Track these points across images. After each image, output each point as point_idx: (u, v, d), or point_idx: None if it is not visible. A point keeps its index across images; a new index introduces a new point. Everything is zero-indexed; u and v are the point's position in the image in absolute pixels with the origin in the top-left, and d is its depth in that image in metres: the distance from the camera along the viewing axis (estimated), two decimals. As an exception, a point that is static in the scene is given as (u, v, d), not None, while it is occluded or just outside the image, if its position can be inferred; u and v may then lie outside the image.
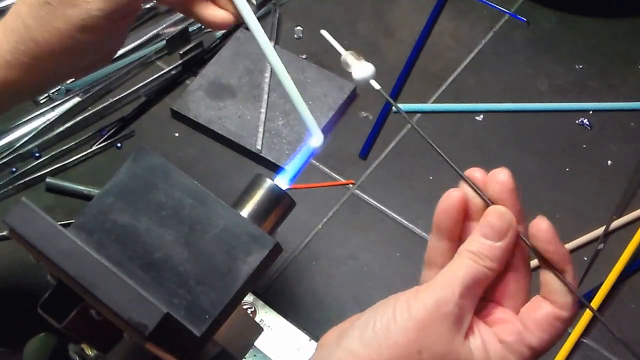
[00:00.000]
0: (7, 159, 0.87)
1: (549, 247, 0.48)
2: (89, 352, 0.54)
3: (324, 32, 0.55)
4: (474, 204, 0.50)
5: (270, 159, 0.86)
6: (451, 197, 0.51)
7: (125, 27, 0.62)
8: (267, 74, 0.92)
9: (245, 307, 0.76)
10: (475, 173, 0.52)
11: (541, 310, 0.47)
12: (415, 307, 0.47)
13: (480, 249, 0.47)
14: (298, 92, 0.56)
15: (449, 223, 0.50)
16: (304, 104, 0.56)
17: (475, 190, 0.50)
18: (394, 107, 0.52)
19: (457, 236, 0.50)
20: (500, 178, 0.51)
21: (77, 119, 0.90)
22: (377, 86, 0.52)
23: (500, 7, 0.99)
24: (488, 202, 0.49)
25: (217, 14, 0.62)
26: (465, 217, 0.50)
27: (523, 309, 0.49)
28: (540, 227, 0.47)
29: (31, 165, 0.87)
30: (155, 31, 0.96)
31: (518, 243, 0.49)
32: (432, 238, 0.50)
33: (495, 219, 0.48)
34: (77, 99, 0.91)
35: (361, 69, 0.53)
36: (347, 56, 0.54)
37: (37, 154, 0.88)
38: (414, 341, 0.45)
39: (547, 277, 0.48)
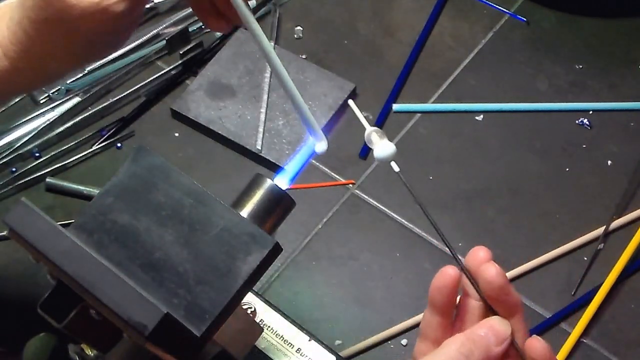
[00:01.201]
0: (7, 159, 0.87)
1: None
2: (89, 352, 0.54)
3: (350, 103, 0.55)
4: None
5: (270, 159, 0.86)
6: (445, 276, 0.48)
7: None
8: (267, 74, 0.92)
9: (245, 307, 0.76)
10: (479, 253, 0.49)
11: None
12: None
13: (473, 346, 0.46)
14: (301, 98, 0.55)
15: (443, 300, 0.48)
16: (308, 109, 0.56)
17: (474, 286, 0.48)
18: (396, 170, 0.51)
19: (451, 312, 0.49)
20: (488, 275, 0.47)
21: (77, 119, 0.90)
22: (396, 168, 0.52)
23: (500, 7, 0.99)
24: (487, 305, 0.48)
25: (217, 24, 0.61)
26: (464, 293, 0.49)
27: None
28: (535, 347, 0.47)
29: (31, 165, 0.87)
30: (155, 31, 0.96)
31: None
32: (426, 311, 0.49)
33: (498, 325, 0.47)
34: (77, 99, 0.91)
35: (383, 148, 0.53)
36: (372, 134, 0.53)
37: (37, 154, 0.88)
38: None
39: None
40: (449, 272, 0.48)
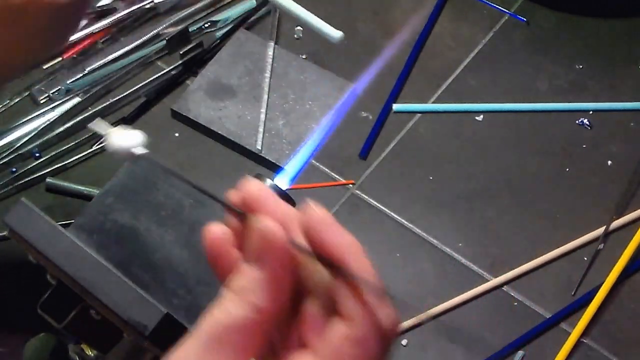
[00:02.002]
0: (7, 159, 0.87)
1: (325, 235, 0.36)
2: (89, 352, 0.54)
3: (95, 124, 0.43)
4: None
5: (270, 159, 0.86)
6: (209, 234, 0.37)
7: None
8: (267, 74, 0.92)
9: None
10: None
11: (330, 334, 0.35)
12: None
13: (241, 283, 0.35)
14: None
15: (217, 268, 0.37)
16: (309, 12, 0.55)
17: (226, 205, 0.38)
18: None
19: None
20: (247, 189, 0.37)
21: (77, 119, 0.90)
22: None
23: (500, 7, 0.99)
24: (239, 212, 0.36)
25: None
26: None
27: (318, 340, 0.35)
28: (312, 216, 0.36)
29: (31, 165, 0.87)
30: (155, 31, 0.96)
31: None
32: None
33: (258, 237, 0.35)
34: (77, 99, 0.91)
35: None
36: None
37: (37, 154, 0.88)
38: None
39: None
40: (212, 229, 0.37)
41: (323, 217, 0.36)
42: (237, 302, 0.34)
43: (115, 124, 0.90)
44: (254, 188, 0.37)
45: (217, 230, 0.37)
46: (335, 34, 0.55)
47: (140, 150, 0.41)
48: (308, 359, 0.34)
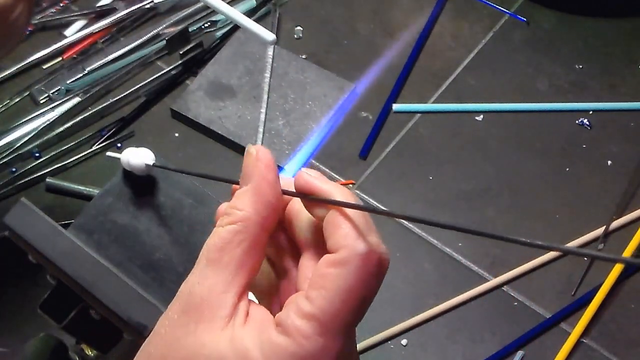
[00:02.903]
0: (7, 159, 0.87)
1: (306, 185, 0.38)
2: (89, 352, 0.54)
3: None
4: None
5: (270, 159, 0.86)
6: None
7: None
8: (267, 74, 0.92)
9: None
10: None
11: (316, 265, 0.37)
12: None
13: (227, 207, 0.38)
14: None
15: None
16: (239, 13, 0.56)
17: None
18: None
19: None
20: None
21: (77, 119, 0.90)
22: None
23: (500, 7, 0.99)
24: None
25: None
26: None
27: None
28: (303, 174, 0.38)
29: (31, 165, 0.87)
30: (155, 31, 0.96)
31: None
32: None
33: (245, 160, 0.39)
34: (77, 99, 0.91)
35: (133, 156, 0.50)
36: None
37: (37, 154, 0.88)
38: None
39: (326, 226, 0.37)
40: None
41: (312, 173, 0.38)
42: (226, 220, 0.37)
43: (115, 123, 0.90)
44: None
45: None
46: (269, 36, 0.56)
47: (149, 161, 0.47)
48: (299, 296, 0.36)
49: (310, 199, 0.37)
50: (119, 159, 0.49)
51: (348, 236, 0.36)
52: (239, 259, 0.37)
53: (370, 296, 0.36)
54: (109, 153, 0.50)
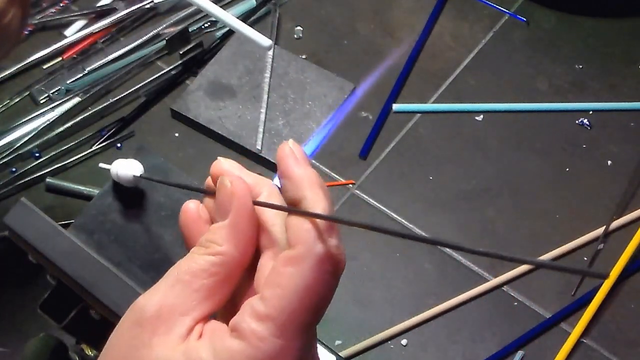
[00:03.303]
0: (7, 159, 0.87)
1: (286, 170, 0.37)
2: (89, 352, 0.54)
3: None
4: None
5: (270, 159, 0.86)
6: (184, 210, 0.41)
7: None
8: (267, 74, 0.92)
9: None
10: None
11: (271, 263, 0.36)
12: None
13: (201, 241, 0.38)
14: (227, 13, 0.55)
15: (188, 241, 0.40)
16: (236, 19, 0.55)
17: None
18: None
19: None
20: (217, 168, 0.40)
21: (77, 119, 0.90)
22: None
23: (500, 7, 0.99)
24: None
25: None
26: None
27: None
28: (281, 149, 0.38)
29: (31, 165, 0.87)
30: (155, 31, 0.96)
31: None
32: None
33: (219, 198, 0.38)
34: (77, 99, 0.91)
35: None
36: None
37: (37, 154, 0.88)
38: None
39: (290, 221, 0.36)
40: (189, 206, 0.41)
41: (289, 150, 0.37)
42: (203, 250, 0.37)
43: (115, 123, 0.90)
44: (223, 163, 0.40)
45: (192, 207, 0.40)
46: (265, 42, 0.56)
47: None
48: (254, 297, 0.35)
49: (289, 210, 0.37)
50: (109, 170, 0.50)
51: (308, 234, 0.35)
52: (209, 289, 0.36)
53: (328, 295, 0.35)
54: (101, 164, 0.50)
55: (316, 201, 0.36)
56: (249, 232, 0.38)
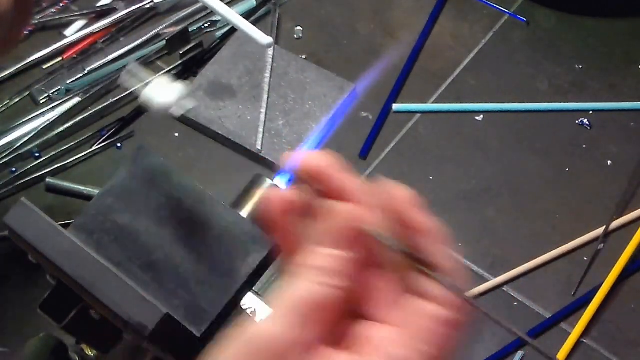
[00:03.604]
0: (7, 159, 0.87)
1: (411, 220, 0.37)
2: (89, 352, 0.54)
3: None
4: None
5: (270, 159, 0.86)
6: (270, 203, 0.38)
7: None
8: (267, 74, 0.92)
9: (245, 307, 0.76)
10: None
11: (421, 312, 0.36)
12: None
13: (322, 263, 0.35)
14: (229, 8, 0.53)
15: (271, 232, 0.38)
16: (237, 15, 0.54)
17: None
18: None
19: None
20: (312, 163, 0.38)
21: (77, 119, 0.90)
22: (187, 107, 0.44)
23: (500, 7, 0.99)
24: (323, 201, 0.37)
25: None
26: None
27: (398, 316, 0.36)
28: (397, 196, 0.37)
29: (31, 165, 0.87)
30: (155, 31, 0.96)
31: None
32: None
33: (338, 222, 0.36)
34: (77, 99, 0.91)
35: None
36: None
37: (37, 154, 0.88)
38: None
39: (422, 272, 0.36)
40: (272, 195, 0.38)
41: (409, 197, 0.37)
42: (316, 280, 0.35)
43: (115, 123, 0.90)
44: (320, 161, 0.39)
45: (279, 197, 0.38)
46: (265, 40, 0.55)
47: (180, 108, 0.43)
48: (392, 332, 0.35)
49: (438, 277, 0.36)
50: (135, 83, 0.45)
51: (463, 301, 0.36)
52: (324, 321, 0.35)
53: None
54: (126, 72, 0.45)
55: (457, 277, 0.36)
56: (362, 265, 0.36)
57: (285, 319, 0.34)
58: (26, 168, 0.86)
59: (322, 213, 0.36)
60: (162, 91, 0.45)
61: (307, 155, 0.39)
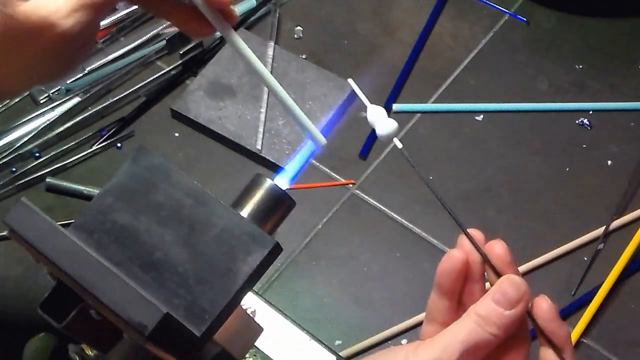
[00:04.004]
0: (7, 159, 0.87)
1: (549, 325, 0.49)
2: (89, 352, 0.54)
3: (350, 82, 0.55)
4: (474, 264, 0.50)
5: (270, 159, 0.86)
6: (453, 259, 0.50)
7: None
8: (267, 74, 0.92)
9: (245, 307, 0.76)
10: (475, 234, 0.52)
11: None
12: None
13: (488, 313, 0.46)
14: (295, 104, 0.54)
15: (450, 283, 0.49)
16: (302, 113, 0.55)
17: (485, 259, 0.50)
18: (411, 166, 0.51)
19: (458, 295, 0.50)
20: (497, 251, 0.49)
21: (77, 119, 0.90)
22: (399, 145, 0.52)
23: (500, 7, 0.99)
24: (498, 272, 0.49)
25: (201, 28, 0.58)
26: (466, 277, 0.50)
27: None
28: (542, 306, 0.49)
29: (31, 165, 0.87)
30: (155, 31, 0.96)
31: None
32: (433, 295, 0.51)
33: (509, 288, 0.48)
34: (77, 99, 0.91)
35: (385, 125, 0.53)
36: (373, 111, 0.54)
37: (37, 154, 0.88)
38: None
39: (546, 354, 0.49)
40: (456, 255, 0.50)
41: (551, 309, 0.49)
42: (486, 327, 0.46)
43: (115, 123, 0.90)
44: (503, 254, 0.49)
45: (460, 256, 0.50)
46: (321, 140, 0.54)
47: (399, 144, 0.52)
48: None
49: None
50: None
51: None
52: (478, 357, 0.46)
53: None
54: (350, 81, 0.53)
55: (571, 354, 0.48)
56: (516, 325, 0.47)
57: (453, 349, 0.45)
58: (26, 168, 0.86)
59: (501, 279, 0.48)
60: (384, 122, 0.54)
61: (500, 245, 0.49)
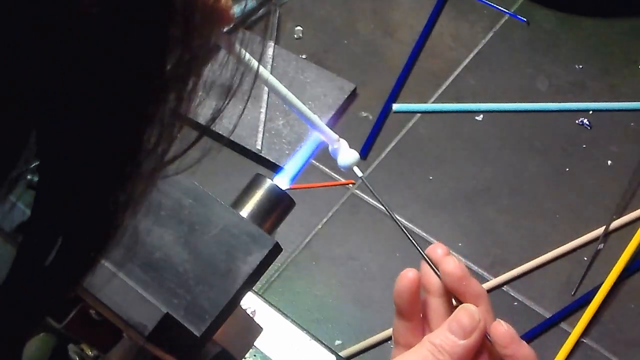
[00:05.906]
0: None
1: (507, 350, 0.47)
2: (89, 352, 0.54)
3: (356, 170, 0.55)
4: (432, 281, 0.48)
5: (270, 159, 0.86)
6: (405, 279, 0.48)
7: None
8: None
9: (245, 307, 0.76)
10: (437, 249, 0.48)
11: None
12: None
13: (442, 342, 0.46)
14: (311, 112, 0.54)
15: (407, 304, 0.48)
16: (319, 119, 0.55)
17: (438, 275, 0.48)
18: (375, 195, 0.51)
19: (417, 314, 0.49)
20: (447, 268, 0.47)
21: (77, 119, 0.90)
22: (359, 173, 0.53)
23: (500, 7, 0.99)
24: (458, 301, 0.48)
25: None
26: (422, 294, 0.49)
27: None
28: (498, 331, 0.47)
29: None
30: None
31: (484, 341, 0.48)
32: (395, 318, 0.49)
33: (464, 317, 0.47)
34: (77, 99, 0.91)
35: (347, 156, 0.54)
36: (338, 143, 0.54)
37: (37, 154, 0.88)
38: None
39: None
40: (408, 275, 0.48)
41: (508, 333, 0.47)
42: (438, 356, 0.46)
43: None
44: (458, 270, 0.47)
45: (412, 277, 0.47)
46: (358, 173, 0.52)
47: (359, 172, 0.53)
48: None
49: None
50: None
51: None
52: None
53: None
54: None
55: None
56: (473, 354, 0.47)
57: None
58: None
59: (458, 309, 0.47)
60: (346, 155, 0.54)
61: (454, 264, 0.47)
